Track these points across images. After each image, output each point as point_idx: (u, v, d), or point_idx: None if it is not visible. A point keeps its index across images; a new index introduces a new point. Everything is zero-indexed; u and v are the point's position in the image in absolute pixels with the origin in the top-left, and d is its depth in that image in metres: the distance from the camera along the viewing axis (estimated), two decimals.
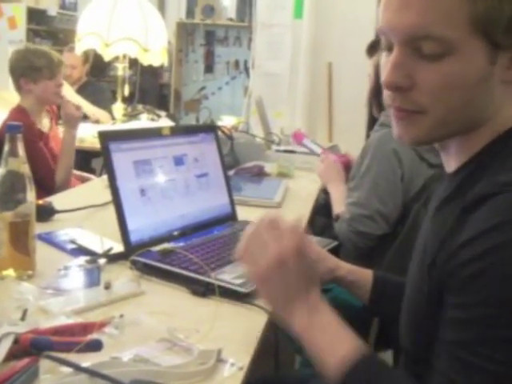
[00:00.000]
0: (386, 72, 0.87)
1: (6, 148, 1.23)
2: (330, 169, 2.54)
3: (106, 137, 1.40)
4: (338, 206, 2.23)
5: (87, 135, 3.77)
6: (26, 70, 2.95)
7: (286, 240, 0.97)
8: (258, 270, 0.98)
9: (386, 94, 0.91)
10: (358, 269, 1.30)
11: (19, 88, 3.00)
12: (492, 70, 0.85)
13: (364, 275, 1.29)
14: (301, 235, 0.99)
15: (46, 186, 2.71)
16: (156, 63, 4.21)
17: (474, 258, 0.76)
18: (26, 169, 1.25)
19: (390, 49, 0.90)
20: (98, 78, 5.10)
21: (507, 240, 0.74)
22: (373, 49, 2.24)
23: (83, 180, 3.33)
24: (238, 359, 0.98)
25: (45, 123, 3.07)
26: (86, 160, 4.27)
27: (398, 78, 0.86)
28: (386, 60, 0.91)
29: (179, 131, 1.72)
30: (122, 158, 1.41)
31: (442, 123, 0.88)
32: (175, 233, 1.51)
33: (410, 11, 0.83)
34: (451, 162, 0.97)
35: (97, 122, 4.33)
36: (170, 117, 4.60)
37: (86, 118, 4.31)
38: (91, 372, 0.85)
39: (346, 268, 1.28)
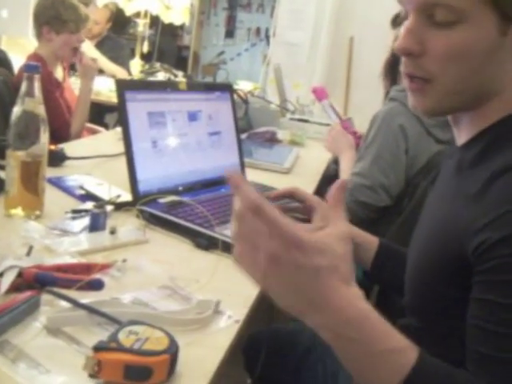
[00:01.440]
0: (400, 38, 0.89)
1: (23, 88, 1.24)
2: (339, 138, 2.53)
3: (122, 86, 1.41)
4: (345, 176, 2.24)
5: (103, 88, 3.77)
6: (52, 19, 2.91)
7: (273, 236, 0.70)
8: (257, 275, 0.74)
9: (402, 61, 0.93)
10: (366, 233, 1.32)
11: (40, 35, 2.97)
12: (503, 42, 0.86)
13: (370, 240, 1.31)
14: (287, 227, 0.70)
15: (61, 136, 2.71)
16: (177, 22, 4.19)
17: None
18: (41, 110, 1.25)
19: (406, 18, 0.91)
20: (118, 35, 5.07)
21: None
22: (396, 21, 2.22)
23: (94, 133, 3.33)
24: (235, 312, 1.00)
25: (59, 73, 3.06)
26: (99, 114, 4.27)
27: (410, 44, 0.88)
28: (402, 29, 0.92)
29: (196, 87, 1.73)
30: (137, 107, 1.42)
31: (452, 92, 0.89)
32: (183, 187, 1.52)
33: None
34: (462, 135, 0.98)
35: (113, 76, 4.32)
36: (187, 77, 4.58)
37: (102, 72, 4.31)
38: (89, 308, 0.87)
39: (354, 230, 1.30)
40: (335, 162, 2.53)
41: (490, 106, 0.91)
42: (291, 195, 1.36)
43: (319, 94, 3.03)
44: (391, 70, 2.21)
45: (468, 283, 0.83)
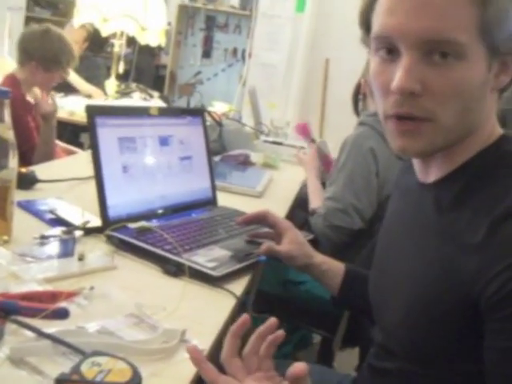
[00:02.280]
0: (399, 78, 0.85)
1: None
2: (312, 161, 2.58)
3: (93, 111, 1.41)
4: (314, 201, 2.26)
5: (78, 108, 3.76)
6: (46, 59, 2.87)
7: None
8: None
9: (390, 102, 0.89)
10: (332, 260, 1.33)
11: (24, 63, 2.91)
12: (488, 78, 0.87)
13: (336, 266, 1.32)
14: None
15: (26, 159, 2.65)
16: (153, 43, 4.19)
17: None
18: (10, 135, 1.25)
19: (389, 54, 0.89)
20: (94, 54, 5.08)
21: None
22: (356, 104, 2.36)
23: (69, 153, 3.31)
24: (202, 341, 1.00)
25: (34, 92, 3.04)
26: (74, 134, 4.26)
27: (410, 84, 0.85)
28: (380, 66, 0.90)
29: (167, 112, 1.74)
30: (108, 133, 1.42)
31: (448, 130, 0.88)
32: (154, 212, 1.52)
33: (424, 15, 0.83)
34: (431, 171, 0.97)
35: (89, 96, 4.32)
36: (163, 98, 4.59)
37: (77, 91, 4.30)
38: (53, 338, 0.87)
39: (320, 257, 1.32)
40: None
41: (465, 142, 0.91)
42: (262, 219, 1.37)
43: (302, 132, 3.05)
44: (355, 102, 2.32)
45: (474, 330, 0.83)
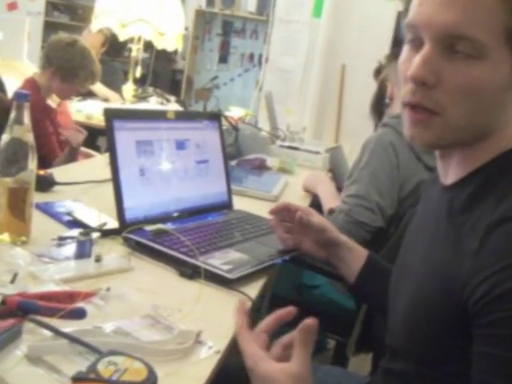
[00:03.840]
0: (414, 66, 0.87)
1: (13, 115, 1.25)
2: (316, 175, 2.61)
3: (111, 114, 1.43)
4: (330, 202, 2.25)
5: (95, 112, 3.80)
6: (65, 69, 2.89)
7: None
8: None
9: (406, 89, 0.91)
10: (357, 244, 1.34)
11: (44, 68, 2.95)
12: (511, 82, 0.86)
13: (360, 249, 1.32)
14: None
15: (47, 164, 2.69)
16: (170, 48, 4.22)
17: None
18: (29, 137, 1.27)
19: (415, 43, 0.90)
20: (112, 58, 5.11)
21: None
22: (378, 72, 2.33)
23: (87, 156, 3.35)
24: (216, 343, 1.01)
25: (55, 97, 3.07)
26: (92, 137, 4.28)
27: (425, 74, 0.87)
28: (408, 54, 0.92)
29: (184, 116, 1.75)
30: (125, 136, 1.44)
31: (456, 127, 0.89)
32: (170, 215, 1.53)
33: (450, 9, 0.84)
34: (450, 173, 0.98)
35: (106, 100, 4.35)
36: (180, 102, 4.61)
37: (95, 95, 4.33)
38: (70, 337, 0.88)
39: (345, 237, 1.33)
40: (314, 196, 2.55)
41: (483, 144, 0.91)
42: (287, 208, 1.39)
43: None
44: (378, 105, 2.30)
45: (466, 335, 0.84)
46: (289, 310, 0.95)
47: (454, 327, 0.87)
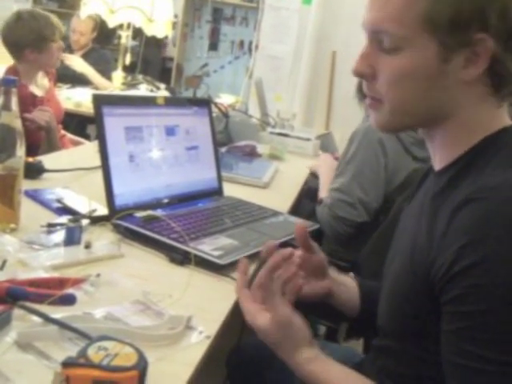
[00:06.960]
0: (355, 61, 0.97)
1: (0, 101, 1.24)
2: (323, 157, 2.60)
3: (99, 100, 1.42)
4: (324, 191, 2.26)
5: (84, 100, 3.77)
6: (34, 41, 2.86)
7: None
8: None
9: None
10: (344, 278, 1.28)
11: (20, 57, 2.91)
12: (445, 69, 0.90)
13: (347, 279, 1.27)
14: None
15: (34, 152, 2.63)
16: (160, 35, 4.20)
17: (470, 266, 0.79)
18: (17, 123, 1.26)
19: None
20: (101, 46, 5.08)
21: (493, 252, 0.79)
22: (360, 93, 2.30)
23: (76, 144, 3.32)
24: (207, 328, 1.01)
25: (42, 84, 3.04)
26: (81, 125, 4.27)
27: (362, 68, 0.96)
28: None
29: (173, 102, 1.74)
30: (114, 122, 1.43)
31: (399, 112, 0.96)
32: (160, 201, 1.53)
33: (372, 9, 0.94)
34: (437, 158, 1.00)
35: (96, 88, 4.33)
36: (169, 90, 4.59)
37: (89, 83, 4.31)
38: (60, 323, 0.88)
39: (336, 276, 1.25)
40: (315, 175, 2.55)
41: (450, 128, 0.95)
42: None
43: None
44: (362, 90, 2.28)
45: (438, 310, 0.86)
46: (275, 259, 1.00)
47: (427, 306, 0.90)
